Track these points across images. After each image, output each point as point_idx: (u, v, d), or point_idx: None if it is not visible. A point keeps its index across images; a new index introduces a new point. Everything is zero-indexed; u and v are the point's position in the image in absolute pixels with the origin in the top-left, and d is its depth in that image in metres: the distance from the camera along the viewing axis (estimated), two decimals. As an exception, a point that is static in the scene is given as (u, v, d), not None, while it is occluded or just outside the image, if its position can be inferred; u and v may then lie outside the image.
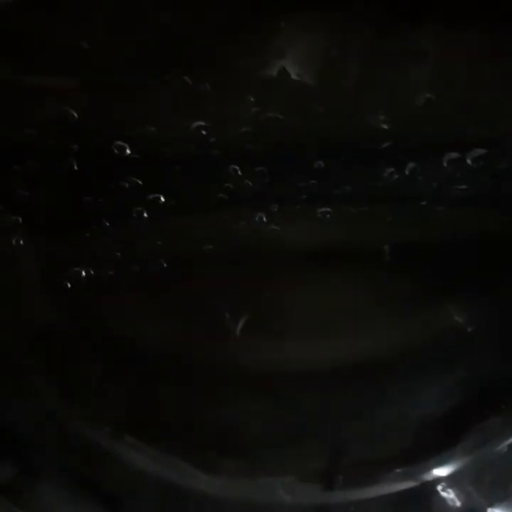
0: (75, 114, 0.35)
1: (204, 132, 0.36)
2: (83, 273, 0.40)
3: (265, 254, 0.41)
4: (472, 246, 0.42)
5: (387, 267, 0.42)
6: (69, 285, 0.41)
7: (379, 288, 0.44)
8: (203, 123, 0.35)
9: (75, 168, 0.37)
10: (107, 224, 0.39)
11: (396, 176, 0.38)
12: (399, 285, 0.43)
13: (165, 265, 0.41)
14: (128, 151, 0.36)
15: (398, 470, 0.43)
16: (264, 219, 0.40)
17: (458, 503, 0.43)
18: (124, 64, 0.34)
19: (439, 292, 0.44)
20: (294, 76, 0.34)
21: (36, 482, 0.39)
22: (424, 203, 0.39)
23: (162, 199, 0.38)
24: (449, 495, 0.43)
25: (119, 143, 0.36)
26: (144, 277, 0.41)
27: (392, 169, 0.37)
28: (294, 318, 0.43)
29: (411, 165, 0.37)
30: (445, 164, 0.37)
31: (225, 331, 0.42)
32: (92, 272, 0.41)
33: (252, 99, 0.35)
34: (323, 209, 0.39)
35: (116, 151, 0.36)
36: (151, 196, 0.38)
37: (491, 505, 0.42)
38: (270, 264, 0.42)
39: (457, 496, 0.43)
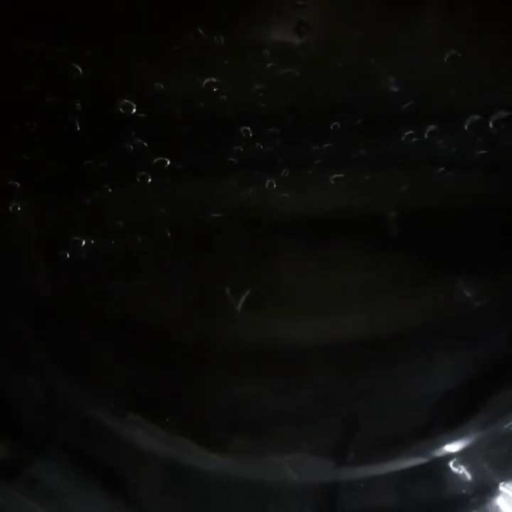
0: (79, 69, 0.33)
1: (215, 89, 0.34)
2: (83, 242, 0.38)
3: (273, 224, 0.40)
4: (487, 216, 0.41)
5: (396, 239, 0.40)
6: (68, 255, 0.39)
7: (387, 261, 0.42)
8: (214, 79, 0.33)
9: (77, 128, 0.35)
10: (109, 190, 0.37)
11: (414, 139, 0.36)
12: (411, 258, 0.42)
13: (169, 235, 0.39)
14: (134, 110, 0.34)
15: (410, 446, 0.42)
16: (274, 185, 0.38)
17: (470, 479, 0.42)
18: (133, 13, 0.32)
19: (449, 265, 0.43)
20: (313, 30, 0.32)
21: (36, 461, 0.38)
22: (441, 169, 0.38)
23: (168, 163, 0.36)
24: (460, 471, 0.42)
25: (125, 101, 0.34)
26: (147, 248, 0.39)
27: (411, 132, 0.36)
28: (303, 292, 0.42)
29: (431, 127, 0.36)
30: (466, 127, 0.36)
31: (227, 307, 0.41)
32: (92, 242, 0.39)
33: (268, 54, 0.33)
34: (336, 175, 0.38)
35: (121, 110, 0.34)
36: (156, 159, 0.36)
37: (504, 480, 0.41)
38: (277, 235, 0.40)
39: (469, 471, 0.42)
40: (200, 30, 0.32)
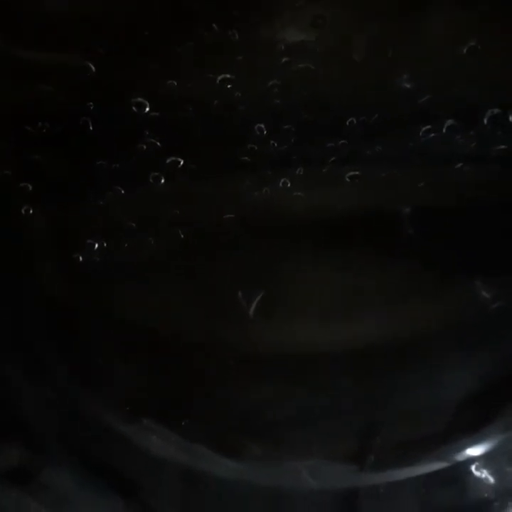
0: (92, 67, 0.32)
1: (229, 86, 0.33)
2: (96, 245, 0.38)
3: (286, 226, 0.39)
4: (505, 215, 0.40)
5: (412, 239, 0.40)
6: (81, 258, 0.38)
7: (406, 262, 0.41)
8: (228, 75, 0.33)
9: (90, 128, 0.34)
10: (122, 191, 0.37)
11: (432, 135, 0.35)
12: (427, 258, 0.41)
13: (182, 236, 0.39)
14: (147, 109, 0.34)
15: (431, 451, 0.41)
16: (289, 184, 0.37)
17: (493, 483, 0.41)
18: (145, 10, 0.32)
19: (466, 266, 0.42)
20: (329, 24, 0.32)
21: (49, 467, 0.37)
22: (459, 165, 0.37)
23: (181, 163, 0.36)
24: (483, 475, 0.41)
25: (139, 99, 0.34)
26: (160, 250, 0.39)
27: (429, 126, 0.35)
28: (318, 295, 0.41)
29: (449, 122, 0.35)
30: (485, 121, 0.35)
31: (240, 311, 0.40)
32: (105, 244, 0.38)
33: (283, 48, 0.32)
34: (352, 173, 0.37)
35: (134, 109, 0.34)
36: (169, 159, 0.36)
37: (528, 484, 0.40)
38: (290, 237, 0.40)
39: (492, 475, 0.41)
40: (214, 26, 0.31)
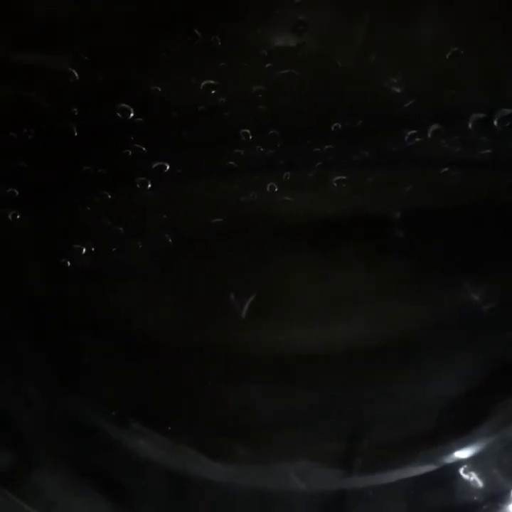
0: (76, 74, 0.32)
1: (213, 91, 0.33)
2: (84, 250, 0.38)
3: (274, 229, 0.39)
4: (493, 217, 0.40)
5: (401, 242, 0.40)
6: (69, 263, 0.38)
7: (393, 265, 0.42)
8: (212, 81, 0.33)
9: (75, 134, 0.34)
10: (109, 196, 0.37)
11: (417, 139, 0.35)
12: (416, 261, 0.41)
13: (170, 241, 0.39)
14: (132, 114, 0.34)
15: (419, 453, 0.41)
16: (276, 189, 0.37)
17: (481, 486, 0.41)
18: (128, 17, 0.32)
19: (455, 268, 0.42)
20: (311, 29, 0.32)
21: (36, 470, 0.37)
22: (445, 170, 0.37)
23: (167, 167, 0.36)
24: (471, 477, 0.41)
25: (123, 105, 0.34)
26: (147, 254, 0.39)
27: (414, 131, 0.35)
28: (308, 297, 0.41)
29: (434, 127, 0.35)
30: (470, 126, 0.35)
31: (233, 311, 0.40)
32: (92, 249, 0.38)
33: (266, 54, 0.32)
34: (338, 177, 0.37)
35: (119, 115, 0.34)
36: (155, 164, 0.36)
37: (516, 487, 0.40)
38: (279, 240, 0.40)
39: (480, 478, 0.41)
40: (197, 31, 0.31)
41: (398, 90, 0.34)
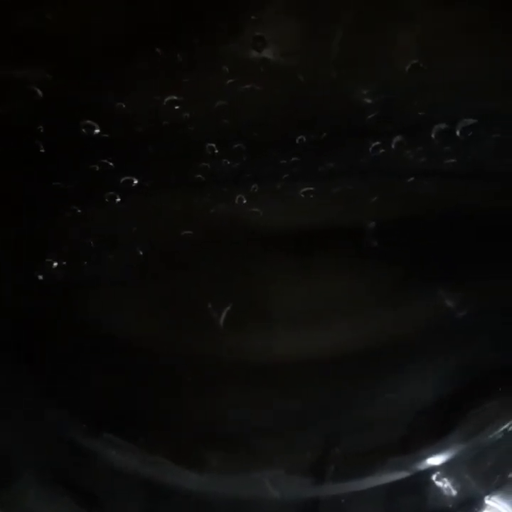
0: (39, 92, 0.33)
1: (177, 107, 0.34)
2: (55, 264, 0.38)
3: (246, 239, 0.40)
4: (462, 225, 0.40)
5: (374, 250, 0.40)
6: (41, 277, 0.38)
7: (367, 273, 0.42)
8: (175, 97, 0.33)
9: (42, 150, 0.34)
10: (78, 210, 0.37)
11: (382, 151, 0.36)
12: (387, 269, 0.42)
13: (141, 253, 0.39)
14: (97, 131, 0.34)
15: (391, 460, 0.41)
16: (244, 201, 0.38)
17: (454, 493, 0.41)
18: (91, 36, 0.32)
19: (429, 275, 0.42)
20: (271, 45, 0.32)
21: (11, 480, 0.37)
22: (411, 180, 0.37)
23: (135, 181, 0.36)
24: (444, 484, 0.41)
25: (88, 122, 0.34)
26: (120, 267, 0.39)
27: (378, 143, 0.35)
28: (280, 306, 0.41)
29: (397, 138, 0.35)
30: (433, 136, 0.35)
31: (208, 321, 0.40)
32: (64, 263, 0.38)
33: (227, 70, 0.32)
34: (305, 188, 0.38)
35: (84, 131, 0.34)
36: (123, 179, 0.36)
37: (489, 493, 0.40)
38: (251, 249, 0.40)
39: (453, 485, 0.41)
40: (158, 50, 0.32)
41: (361, 102, 0.34)
